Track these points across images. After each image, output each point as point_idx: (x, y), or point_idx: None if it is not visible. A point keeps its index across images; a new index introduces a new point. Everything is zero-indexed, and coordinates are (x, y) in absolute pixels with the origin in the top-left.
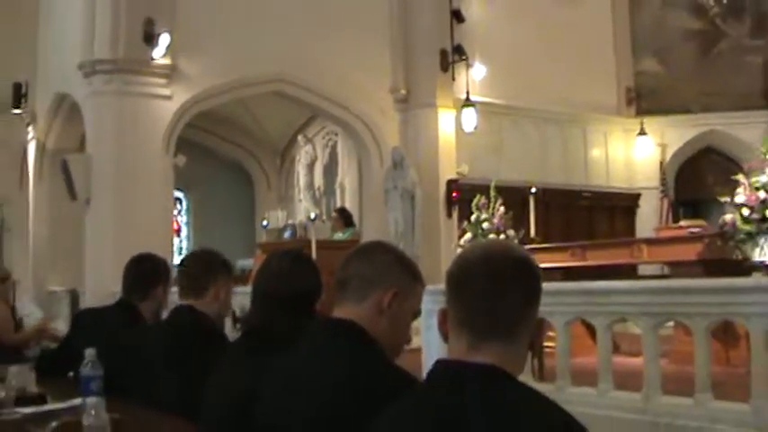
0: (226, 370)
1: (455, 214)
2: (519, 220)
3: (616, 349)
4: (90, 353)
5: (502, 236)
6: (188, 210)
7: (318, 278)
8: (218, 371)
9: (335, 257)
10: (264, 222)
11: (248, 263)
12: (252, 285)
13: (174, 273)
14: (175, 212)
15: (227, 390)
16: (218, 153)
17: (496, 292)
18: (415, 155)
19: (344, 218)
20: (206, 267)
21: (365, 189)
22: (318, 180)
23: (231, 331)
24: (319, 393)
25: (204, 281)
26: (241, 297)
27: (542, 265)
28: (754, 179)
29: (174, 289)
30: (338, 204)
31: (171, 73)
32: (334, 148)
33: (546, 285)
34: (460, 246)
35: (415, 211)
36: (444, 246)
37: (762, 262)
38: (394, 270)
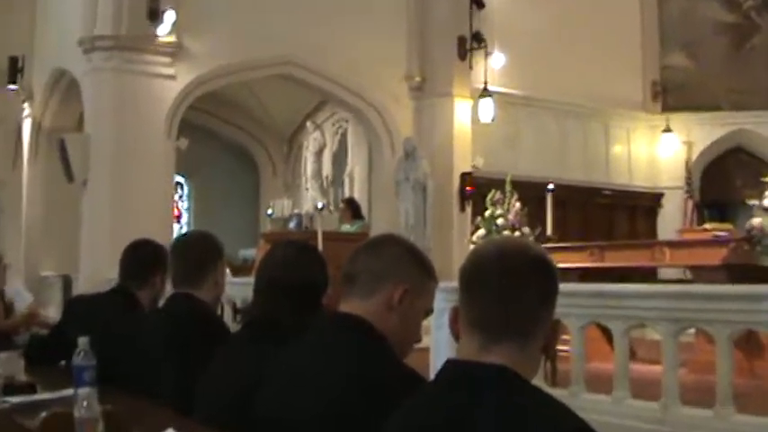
0: (227, 361)
1: (468, 209)
2: (535, 217)
3: (633, 356)
4: (83, 341)
5: (517, 233)
6: (189, 195)
7: (325, 270)
8: (218, 361)
9: (343, 250)
10: (269, 211)
11: (251, 253)
12: (255, 275)
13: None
14: (176, 197)
15: (229, 381)
16: (222, 137)
17: (511, 290)
18: (428, 145)
19: (353, 209)
20: (203, 255)
21: (375, 179)
22: (327, 169)
23: (231, 323)
24: (327, 389)
25: (203, 269)
26: (242, 288)
27: (559, 266)
28: None
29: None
30: (347, 194)
31: (175, 51)
32: (344, 135)
33: (562, 286)
34: (473, 242)
35: (426, 204)
36: (456, 241)
37: None
38: (405, 265)
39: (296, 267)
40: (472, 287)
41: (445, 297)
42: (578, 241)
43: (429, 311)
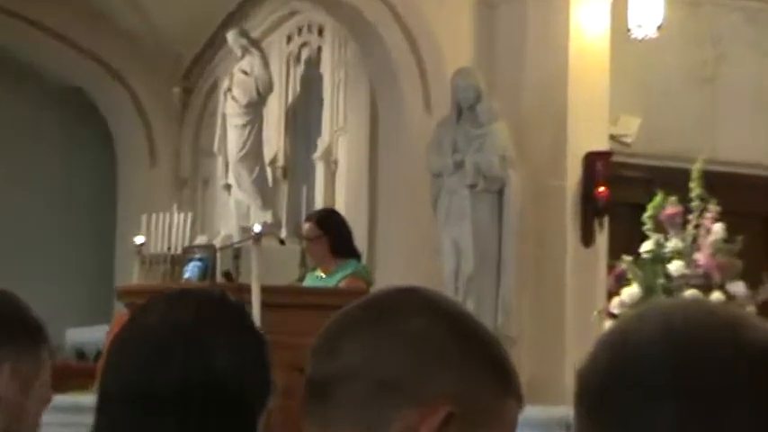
0: None
1: (603, 236)
2: (760, 257)
3: None
4: None
5: (716, 295)
6: None
7: (264, 368)
8: None
9: (308, 326)
10: (139, 239)
11: (95, 335)
12: (101, 377)
13: None
14: None
15: None
16: (37, 69)
17: (702, 419)
18: (509, 90)
19: (333, 235)
20: None
21: (384, 167)
22: (275, 141)
23: None
24: None
25: None
26: (74, 418)
27: None
28: None
29: None
30: (318, 203)
31: None
32: (312, 65)
33: None
34: (613, 315)
35: (504, 227)
36: (574, 309)
37: None
38: (447, 361)
39: (198, 353)
40: (611, 412)
41: None
42: None
43: None
